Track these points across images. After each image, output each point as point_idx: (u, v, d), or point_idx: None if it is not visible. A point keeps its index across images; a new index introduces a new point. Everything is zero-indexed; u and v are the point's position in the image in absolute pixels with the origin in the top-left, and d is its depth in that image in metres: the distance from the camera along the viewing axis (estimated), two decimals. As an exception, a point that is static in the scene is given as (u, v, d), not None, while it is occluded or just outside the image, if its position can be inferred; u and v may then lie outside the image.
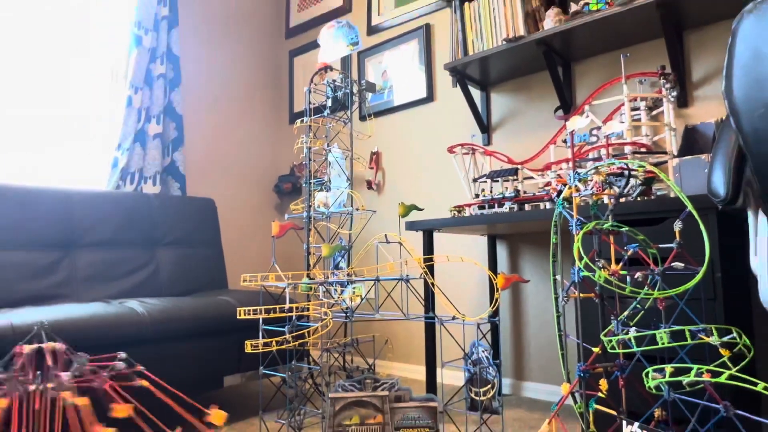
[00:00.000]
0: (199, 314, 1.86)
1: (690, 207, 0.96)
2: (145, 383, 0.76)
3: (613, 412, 1.09)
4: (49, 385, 0.77)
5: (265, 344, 1.59)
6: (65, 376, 0.72)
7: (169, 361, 1.77)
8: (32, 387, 0.73)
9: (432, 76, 2.71)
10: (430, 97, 2.70)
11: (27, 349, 0.76)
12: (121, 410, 0.77)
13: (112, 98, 2.71)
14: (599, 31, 1.95)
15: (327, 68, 2.31)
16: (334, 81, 2.21)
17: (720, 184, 1.17)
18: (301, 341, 1.66)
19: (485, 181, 2.10)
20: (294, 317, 1.62)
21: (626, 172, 1.15)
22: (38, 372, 0.88)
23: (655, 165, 1.71)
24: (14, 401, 0.77)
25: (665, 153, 1.73)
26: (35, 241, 2.04)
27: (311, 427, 1.88)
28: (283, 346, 1.47)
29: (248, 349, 1.42)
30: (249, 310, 1.49)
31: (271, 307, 1.53)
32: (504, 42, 2.08)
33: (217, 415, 0.81)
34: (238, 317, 1.95)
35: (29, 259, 2.00)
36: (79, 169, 2.60)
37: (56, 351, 0.83)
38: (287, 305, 1.54)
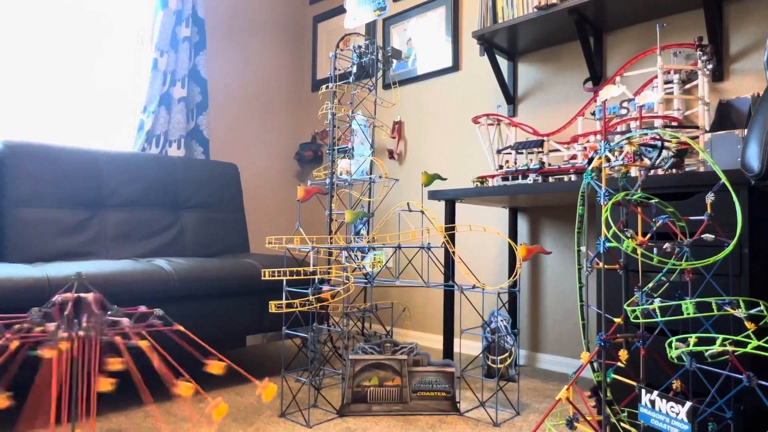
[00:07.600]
0: (223, 274, 1.90)
1: (723, 178, 0.94)
2: (181, 328, 0.80)
3: (632, 382, 1.10)
4: (93, 333, 0.81)
5: (288, 305, 1.63)
6: (125, 321, 0.76)
7: (194, 318, 1.82)
8: (82, 333, 0.77)
9: (458, 44, 2.66)
10: (455, 67, 2.66)
11: (68, 297, 0.79)
12: (114, 364, 0.82)
13: (137, 60, 2.72)
14: (635, -1, 1.90)
15: (353, 34, 2.29)
16: (360, 47, 2.19)
17: (754, 158, 1.15)
18: (322, 304, 1.69)
19: (509, 153, 2.08)
20: (316, 280, 1.65)
21: (659, 143, 1.14)
22: (74, 321, 0.92)
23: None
24: (62, 352, 0.81)
25: (697, 128, 1.69)
26: (65, 200, 2.09)
27: (330, 387, 1.93)
28: (306, 308, 1.50)
29: (272, 309, 1.46)
30: (274, 272, 1.52)
31: (296, 269, 1.56)
32: (535, 9, 2.03)
33: (215, 366, 0.85)
34: (261, 278, 1.99)
35: (60, 217, 2.05)
36: (106, 131, 2.64)
37: (95, 301, 0.86)
38: (311, 268, 1.57)
